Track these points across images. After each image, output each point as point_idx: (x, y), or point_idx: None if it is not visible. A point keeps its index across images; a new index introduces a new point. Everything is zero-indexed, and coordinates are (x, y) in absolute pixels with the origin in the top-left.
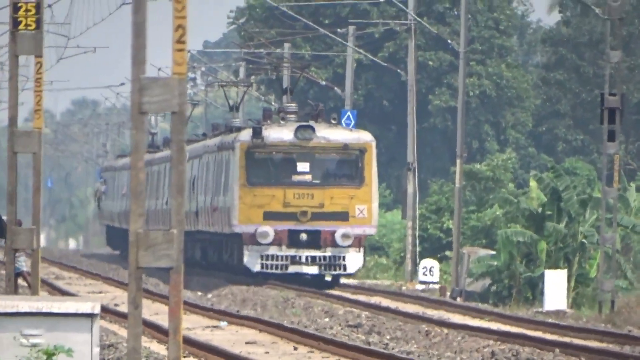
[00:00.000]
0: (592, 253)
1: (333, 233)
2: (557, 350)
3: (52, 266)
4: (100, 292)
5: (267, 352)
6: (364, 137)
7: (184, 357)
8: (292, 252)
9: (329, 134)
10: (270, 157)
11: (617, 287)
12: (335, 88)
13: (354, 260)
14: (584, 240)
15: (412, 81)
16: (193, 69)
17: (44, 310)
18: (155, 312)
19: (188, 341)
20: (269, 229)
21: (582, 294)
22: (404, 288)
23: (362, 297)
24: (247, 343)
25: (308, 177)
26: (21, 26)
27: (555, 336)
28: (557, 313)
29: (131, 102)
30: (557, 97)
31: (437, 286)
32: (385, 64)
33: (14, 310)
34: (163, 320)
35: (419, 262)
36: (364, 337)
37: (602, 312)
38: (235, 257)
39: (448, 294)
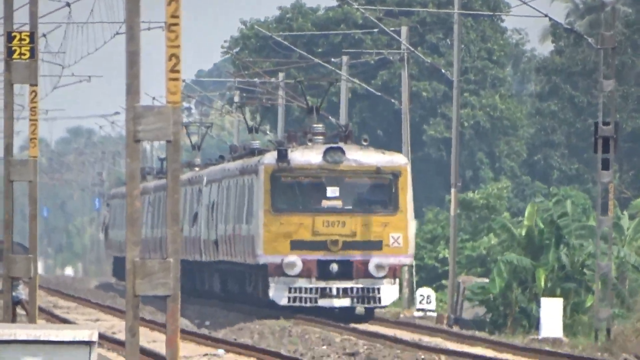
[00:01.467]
0: (589, 283)
1: (366, 263)
2: None
3: (50, 295)
4: (98, 320)
5: None
6: (398, 159)
7: None
8: (322, 284)
9: (360, 156)
10: (297, 181)
11: (614, 315)
12: (330, 117)
13: (388, 292)
14: (583, 270)
15: (406, 110)
16: (187, 98)
17: (42, 338)
18: (153, 339)
19: None
20: (296, 259)
21: (578, 322)
22: (401, 316)
23: (359, 325)
24: None
25: (338, 203)
26: (15, 55)
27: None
28: (553, 341)
29: (126, 131)
30: (551, 127)
31: (434, 314)
32: (379, 93)
33: (12, 338)
34: (160, 348)
35: (416, 290)
36: None
37: (598, 340)
38: (260, 289)
39: (445, 321)
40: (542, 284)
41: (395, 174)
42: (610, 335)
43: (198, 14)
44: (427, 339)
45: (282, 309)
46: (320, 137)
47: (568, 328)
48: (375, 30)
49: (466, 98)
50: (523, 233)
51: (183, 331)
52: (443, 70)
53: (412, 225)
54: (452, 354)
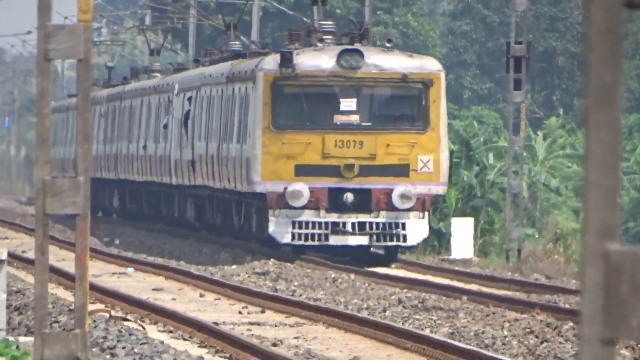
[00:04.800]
0: (501, 202)
1: (389, 192)
2: (464, 297)
3: None
4: (7, 239)
5: (173, 299)
6: (430, 65)
7: (91, 303)
8: (333, 217)
9: (382, 60)
10: (305, 91)
11: (525, 235)
12: (242, 36)
13: (416, 228)
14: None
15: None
16: (99, 17)
17: None
18: (62, 258)
19: (95, 288)
20: (302, 187)
21: (489, 242)
22: None
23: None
24: (154, 290)
25: (355, 119)
26: None
27: (462, 284)
28: (464, 261)
29: (37, 49)
30: (463, 46)
31: None
32: (292, 12)
33: None
34: (70, 267)
35: None
36: (271, 284)
37: (509, 260)
38: (254, 223)
39: None
40: (453, 203)
41: (426, 83)
42: (520, 255)
43: None
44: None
45: (284, 248)
46: (330, 38)
47: (479, 248)
48: None
49: (379, 16)
50: None
51: (92, 250)
52: None
53: (446, 145)
54: (363, 274)
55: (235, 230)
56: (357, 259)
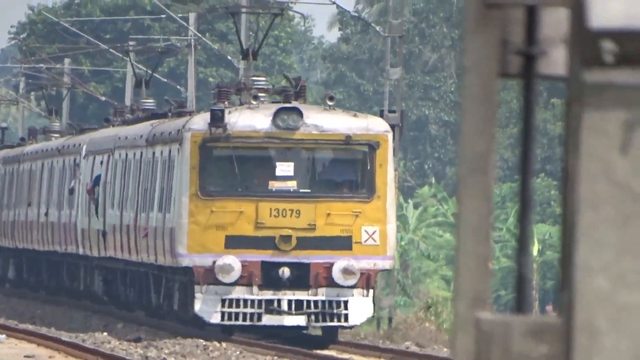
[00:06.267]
0: None
1: (329, 267)
2: None
3: None
4: None
5: None
6: (376, 125)
7: None
8: (268, 294)
9: (323, 120)
10: (237, 154)
11: (396, 303)
12: (115, 103)
13: (359, 306)
14: None
15: (191, 97)
16: None
17: None
18: None
19: None
20: (233, 261)
21: None
22: None
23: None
24: (25, 357)
25: (292, 185)
26: None
27: (333, 352)
28: None
29: None
30: None
31: None
32: (165, 80)
33: None
34: None
35: None
36: (142, 352)
37: (380, 327)
38: (176, 300)
39: None
40: None
41: (372, 145)
42: (391, 323)
43: None
44: None
45: (212, 328)
46: (264, 95)
47: None
48: (163, 16)
49: None
50: None
51: None
52: (230, 57)
53: (393, 215)
54: (238, 342)
55: (153, 307)
56: (291, 340)
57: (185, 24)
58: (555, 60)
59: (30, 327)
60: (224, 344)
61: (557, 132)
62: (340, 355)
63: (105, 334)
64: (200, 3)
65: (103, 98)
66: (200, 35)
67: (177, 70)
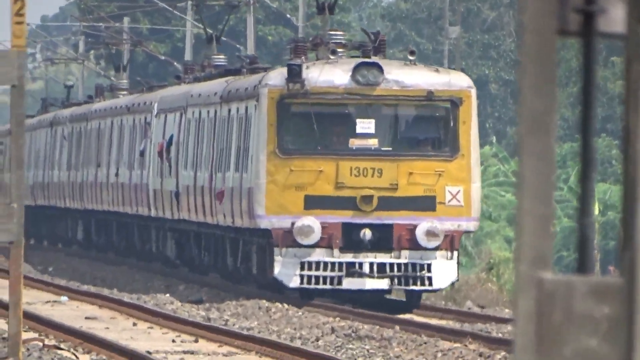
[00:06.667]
0: None
1: (412, 229)
2: (398, 327)
3: None
4: None
5: (107, 328)
6: (459, 81)
7: (24, 331)
8: (349, 257)
9: (404, 75)
10: (316, 111)
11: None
12: (175, 63)
13: (443, 269)
14: None
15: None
16: (33, 43)
17: None
18: None
19: (28, 316)
20: (313, 222)
21: None
22: None
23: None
24: (87, 318)
25: (373, 143)
26: None
27: (394, 314)
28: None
29: None
30: None
31: None
32: (225, 39)
33: None
34: (3, 295)
35: None
36: (204, 314)
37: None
38: (254, 264)
39: None
40: None
41: (456, 102)
42: (454, 284)
43: None
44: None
45: (292, 292)
46: (342, 51)
47: None
48: None
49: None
50: None
51: (27, 277)
52: (288, 16)
53: (478, 174)
54: (299, 303)
55: (229, 271)
56: (372, 305)
57: None
58: (615, 17)
59: (92, 288)
60: (285, 305)
61: (618, 91)
62: (402, 316)
63: (167, 295)
64: None
65: (163, 57)
66: None
67: (237, 28)
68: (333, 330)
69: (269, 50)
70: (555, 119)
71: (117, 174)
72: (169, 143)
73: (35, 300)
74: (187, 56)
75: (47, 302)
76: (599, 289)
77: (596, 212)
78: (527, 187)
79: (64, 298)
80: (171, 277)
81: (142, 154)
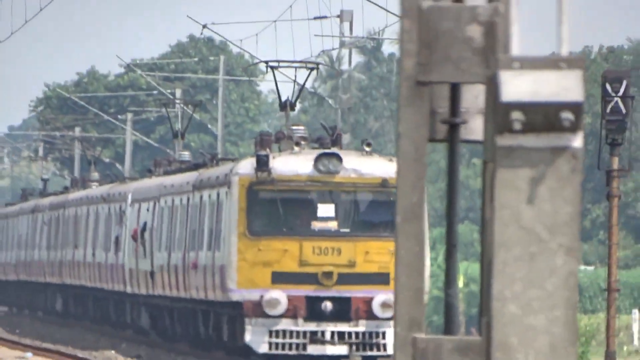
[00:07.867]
0: None
1: (369, 301)
2: None
3: None
4: None
5: None
6: None
7: None
8: (312, 326)
9: (361, 164)
10: (281, 196)
11: None
12: (117, 164)
13: None
14: None
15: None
16: (1, 148)
17: None
18: None
19: None
20: (280, 295)
21: None
22: None
23: None
24: None
25: (333, 225)
26: None
27: None
28: None
29: None
30: None
31: None
32: (157, 145)
33: None
34: None
35: None
36: None
37: None
38: (226, 332)
39: None
40: None
41: None
42: None
43: (4, 77)
44: None
45: (260, 358)
46: (303, 143)
47: None
48: (155, 92)
49: (227, 148)
50: None
51: None
52: (209, 126)
53: (427, 252)
54: None
55: (201, 339)
56: None
57: (173, 97)
58: (474, 127)
59: (51, 346)
60: None
61: (477, 187)
62: None
63: (113, 351)
64: (184, 80)
65: (107, 160)
66: (185, 107)
67: (167, 136)
68: None
69: (194, 154)
70: (424, 209)
71: (93, 254)
72: (143, 229)
73: (4, 355)
74: (127, 159)
75: (15, 358)
76: (462, 346)
77: (461, 284)
78: (402, 264)
79: (28, 354)
80: (117, 338)
81: (117, 239)
